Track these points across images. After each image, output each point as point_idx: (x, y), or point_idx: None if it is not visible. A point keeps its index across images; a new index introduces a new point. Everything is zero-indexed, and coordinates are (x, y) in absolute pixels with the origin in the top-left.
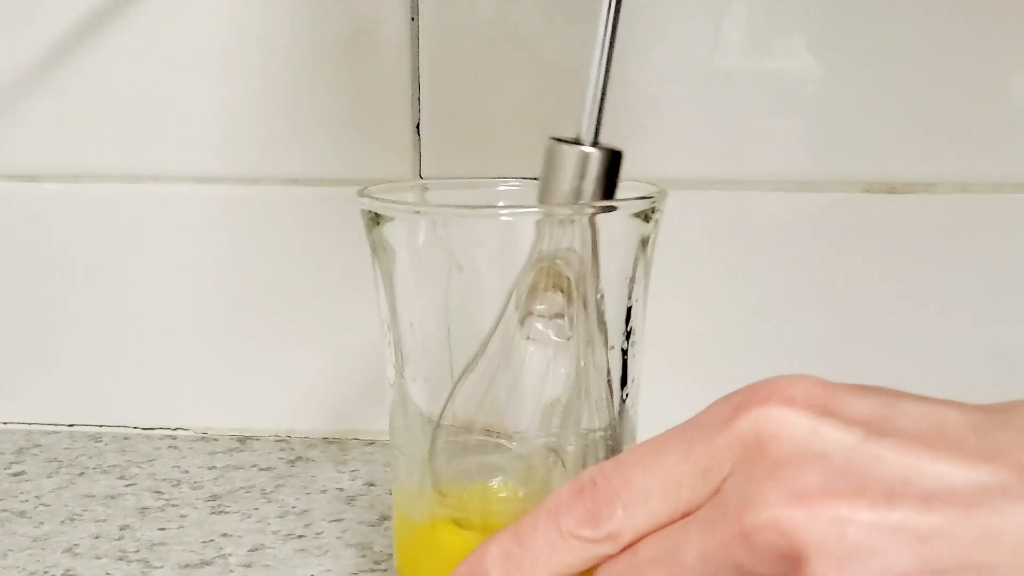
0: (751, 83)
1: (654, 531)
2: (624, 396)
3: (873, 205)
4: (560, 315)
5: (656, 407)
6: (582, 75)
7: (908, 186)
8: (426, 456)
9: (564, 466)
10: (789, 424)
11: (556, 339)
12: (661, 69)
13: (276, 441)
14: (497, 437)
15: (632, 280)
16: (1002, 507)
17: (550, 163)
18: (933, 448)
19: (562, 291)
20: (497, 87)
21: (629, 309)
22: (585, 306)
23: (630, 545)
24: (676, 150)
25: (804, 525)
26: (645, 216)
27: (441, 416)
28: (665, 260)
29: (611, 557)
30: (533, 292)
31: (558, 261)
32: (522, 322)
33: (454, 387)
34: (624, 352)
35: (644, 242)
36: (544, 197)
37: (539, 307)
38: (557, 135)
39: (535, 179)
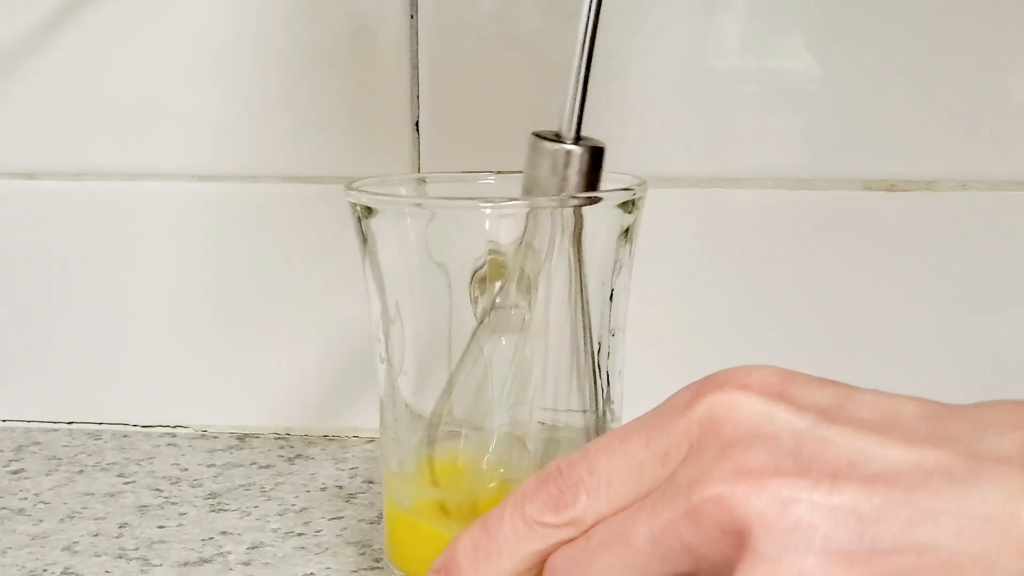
0: (750, 81)
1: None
2: (608, 386)
3: (873, 203)
4: (513, 307)
5: (650, 406)
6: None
7: (908, 184)
8: (415, 445)
9: (543, 456)
10: (743, 407)
11: (512, 331)
12: (660, 67)
13: (275, 439)
14: (480, 427)
15: (614, 271)
16: (943, 489)
17: (533, 160)
18: (883, 435)
19: (505, 282)
20: (496, 85)
21: (611, 300)
22: (548, 296)
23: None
24: (676, 148)
25: (746, 500)
26: (627, 207)
27: (437, 408)
28: (664, 258)
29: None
30: (485, 284)
31: (510, 253)
32: (485, 314)
33: (449, 380)
34: (608, 343)
35: (626, 233)
36: (528, 192)
37: (497, 299)
38: (539, 130)
39: (511, 172)
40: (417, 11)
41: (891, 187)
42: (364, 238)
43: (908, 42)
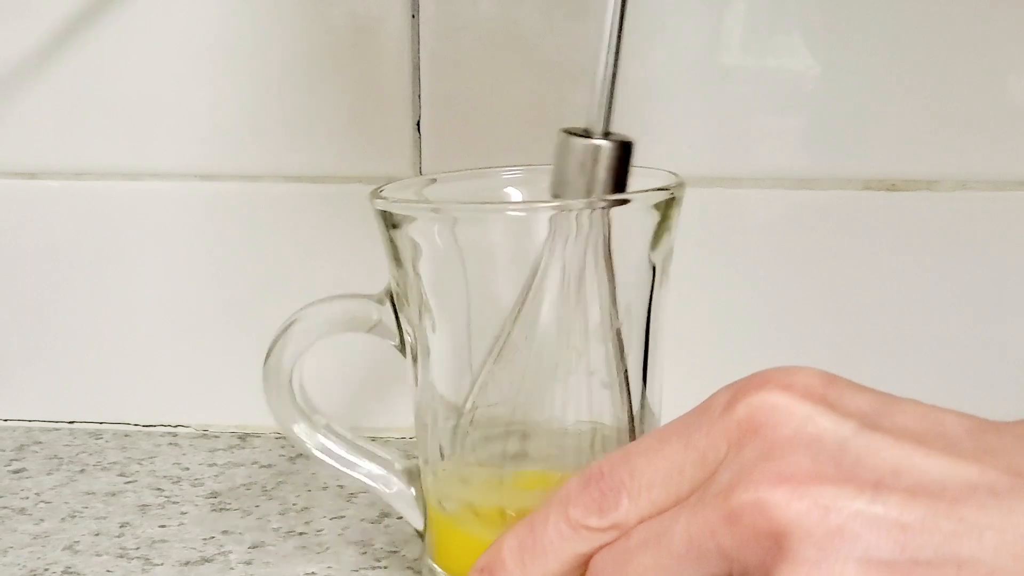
0: (751, 80)
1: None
2: (644, 385)
3: (873, 203)
4: (541, 309)
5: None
6: (585, 71)
7: (908, 183)
8: (450, 443)
9: (579, 456)
10: (785, 410)
11: (540, 332)
12: (660, 66)
13: (277, 438)
14: (515, 428)
15: (652, 270)
16: (988, 504)
17: (562, 156)
18: (926, 445)
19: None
20: (498, 84)
21: (650, 300)
22: (579, 297)
23: None
24: (675, 147)
25: (787, 506)
26: (662, 207)
27: (464, 406)
28: None
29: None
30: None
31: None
32: (514, 314)
33: (476, 378)
34: (645, 343)
35: (661, 234)
36: (557, 190)
37: (528, 301)
38: (567, 126)
39: (536, 165)
40: (418, 11)
41: (891, 187)
42: (392, 240)
43: (909, 41)
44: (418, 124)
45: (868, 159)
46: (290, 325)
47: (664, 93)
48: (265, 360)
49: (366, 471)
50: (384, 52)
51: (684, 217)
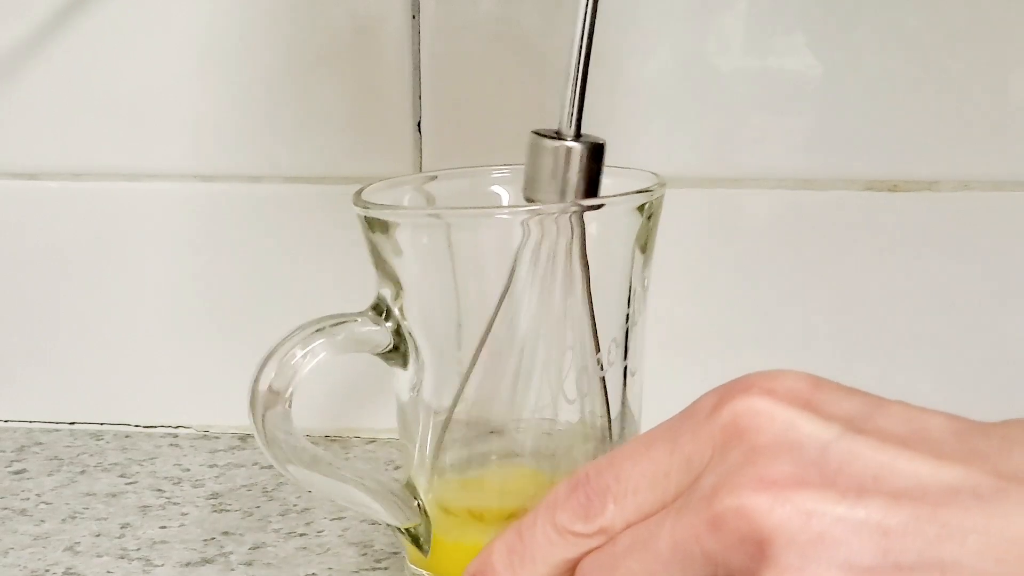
0: (752, 81)
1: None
2: (624, 389)
3: (875, 203)
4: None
5: (653, 405)
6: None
7: (910, 184)
8: (438, 447)
9: (562, 460)
10: (768, 414)
11: (520, 332)
12: (661, 67)
13: None
14: (497, 431)
15: (632, 270)
16: (971, 507)
17: (533, 158)
18: (910, 449)
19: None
20: (498, 84)
21: (629, 300)
22: (558, 300)
23: None
24: (677, 148)
25: (769, 511)
26: (642, 209)
27: (451, 410)
28: (665, 258)
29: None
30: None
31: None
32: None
33: (462, 382)
34: (625, 345)
35: (642, 235)
36: (529, 192)
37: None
38: (538, 128)
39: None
40: (419, 11)
41: (893, 187)
42: (376, 245)
43: (910, 42)
44: (419, 125)
45: (870, 159)
46: (272, 370)
47: (665, 94)
48: (250, 411)
49: (358, 499)
50: (384, 52)
51: (684, 217)
